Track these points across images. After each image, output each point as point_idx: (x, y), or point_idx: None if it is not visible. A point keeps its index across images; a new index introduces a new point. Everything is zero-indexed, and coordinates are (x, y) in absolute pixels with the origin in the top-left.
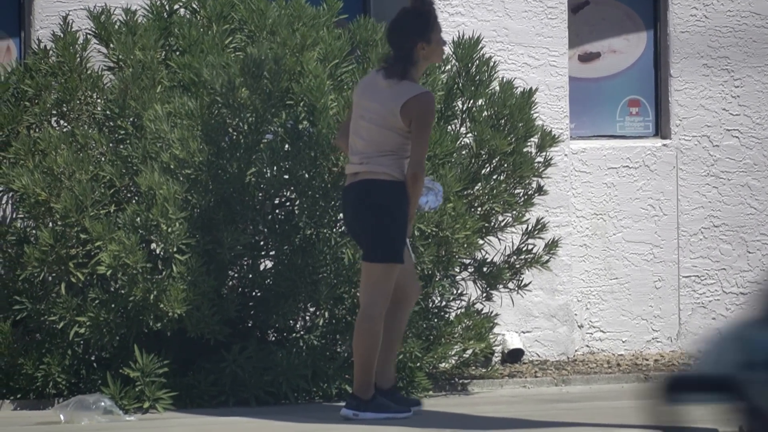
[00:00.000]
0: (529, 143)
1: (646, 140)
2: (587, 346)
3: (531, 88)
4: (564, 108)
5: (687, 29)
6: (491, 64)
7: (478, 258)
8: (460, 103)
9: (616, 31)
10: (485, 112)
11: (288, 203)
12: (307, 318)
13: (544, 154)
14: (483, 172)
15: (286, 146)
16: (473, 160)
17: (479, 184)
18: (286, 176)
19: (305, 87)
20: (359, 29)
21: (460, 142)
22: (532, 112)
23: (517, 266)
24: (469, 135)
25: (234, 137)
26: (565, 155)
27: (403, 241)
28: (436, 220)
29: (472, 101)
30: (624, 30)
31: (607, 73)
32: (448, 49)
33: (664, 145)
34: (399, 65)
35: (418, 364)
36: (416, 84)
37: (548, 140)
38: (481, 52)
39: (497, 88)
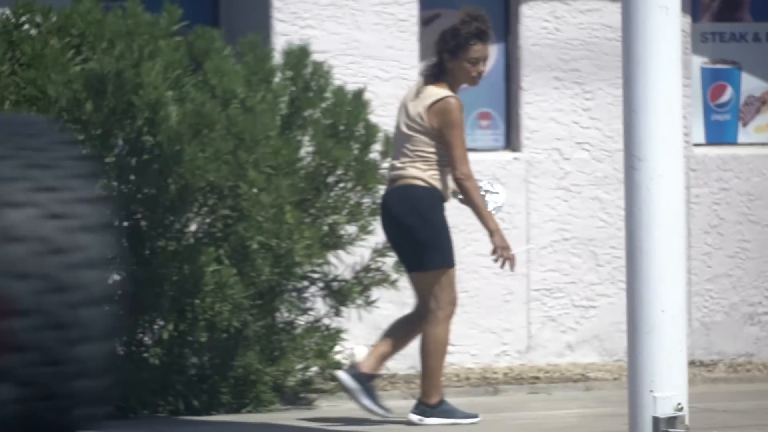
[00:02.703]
0: (373, 151)
1: (496, 153)
2: None
3: (360, 90)
4: None
5: (538, 42)
6: (325, 69)
7: (328, 274)
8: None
9: None
10: (324, 121)
11: (136, 216)
12: (157, 332)
13: (388, 159)
14: (328, 181)
15: (132, 161)
16: (317, 170)
17: (324, 194)
18: (127, 188)
19: (145, 99)
20: (197, 39)
21: (304, 152)
22: (368, 114)
23: (366, 283)
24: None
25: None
26: None
27: (447, 244)
28: (275, 230)
29: (310, 110)
30: None
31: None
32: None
33: (515, 158)
34: (431, 71)
35: (260, 378)
36: (444, 90)
37: (392, 146)
38: (312, 58)
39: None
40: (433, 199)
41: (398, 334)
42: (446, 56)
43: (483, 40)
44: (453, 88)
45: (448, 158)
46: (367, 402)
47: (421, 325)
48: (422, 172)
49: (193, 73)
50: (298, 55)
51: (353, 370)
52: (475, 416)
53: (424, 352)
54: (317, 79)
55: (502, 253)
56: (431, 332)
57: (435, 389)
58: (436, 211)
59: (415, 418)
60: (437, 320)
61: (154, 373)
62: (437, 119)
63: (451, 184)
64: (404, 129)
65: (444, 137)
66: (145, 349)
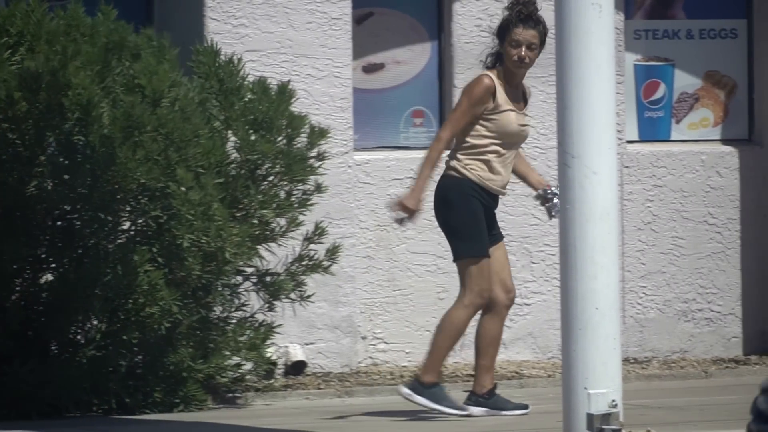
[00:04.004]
0: (297, 142)
1: None
2: (370, 357)
3: (285, 82)
4: (348, 119)
5: (471, 39)
6: (237, 63)
7: (260, 268)
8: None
9: (400, 42)
10: (243, 117)
11: (69, 216)
12: (90, 330)
13: (316, 150)
14: (256, 176)
15: (63, 159)
16: (243, 166)
17: (251, 190)
18: (60, 187)
19: (74, 101)
20: (111, 33)
21: (230, 149)
22: (291, 106)
23: (300, 274)
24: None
25: (14, 150)
26: (349, 167)
27: (475, 235)
28: (204, 228)
29: (228, 109)
30: (408, 41)
31: (392, 84)
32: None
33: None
34: (487, 58)
35: (191, 375)
36: (485, 71)
37: (317, 135)
38: (222, 56)
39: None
40: (462, 189)
41: (476, 341)
42: (498, 41)
43: (526, 24)
44: (505, 74)
45: (490, 146)
46: (508, 413)
47: (487, 315)
48: (457, 163)
49: (117, 70)
50: (209, 55)
51: (473, 397)
52: (464, 410)
53: (438, 328)
54: (230, 76)
55: (396, 206)
56: (451, 313)
57: (433, 369)
58: (465, 201)
59: (405, 391)
60: (461, 305)
61: (86, 372)
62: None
63: (497, 177)
64: None
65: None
66: (77, 348)
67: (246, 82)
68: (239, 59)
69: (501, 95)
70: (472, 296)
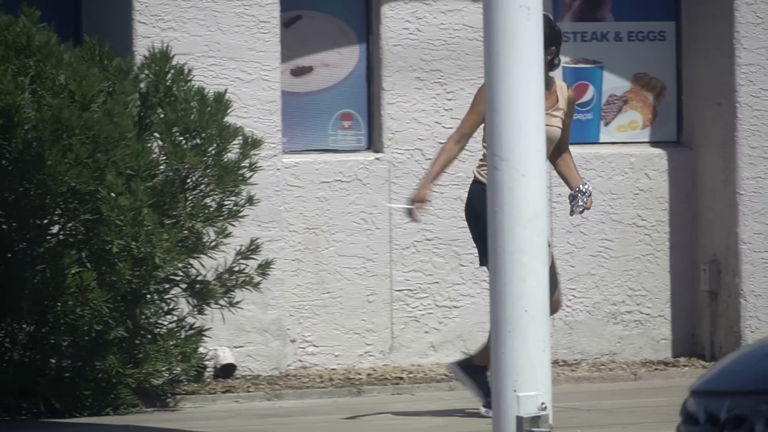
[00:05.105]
0: (230, 150)
1: (358, 154)
2: (300, 360)
3: (222, 92)
4: (277, 122)
5: (399, 42)
6: (185, 72)
7: (191, 275)
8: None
9: (329, 45)
10: (175, 128)
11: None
12: (18, 333)
13: (248, 160)
14: (186, 185)
15: None
16: (174, 175)
17: (180, 204)
18: None
19: None
20: (18, 35)
21: (160, 155)
22: (226, 118)
23: (229, 285)
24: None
25: None
26: (278, 169)
27: None
28: (133, 234)
29: (164, 115)
30: (336, 43)
31: (320, 87)
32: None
33: (377, 158)
34: None
35: (121, 380)
36: None
37: (249, 145)
38: (173, 62)
39: (190, 100)
40: (481, 194)
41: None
42: None
43: None
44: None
45: None
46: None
47: None
48: (477, 170)
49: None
50: (161, 59)
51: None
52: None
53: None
54: (178, 84)
55: (411, 200)
56: None
57: None
58: (485, 206)
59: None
60: None
61: (14, 375)
62: None
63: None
64: None
65: None
66: (5, 351)
67: (190, 92)
68: (190, 70)
69: None
70: None
